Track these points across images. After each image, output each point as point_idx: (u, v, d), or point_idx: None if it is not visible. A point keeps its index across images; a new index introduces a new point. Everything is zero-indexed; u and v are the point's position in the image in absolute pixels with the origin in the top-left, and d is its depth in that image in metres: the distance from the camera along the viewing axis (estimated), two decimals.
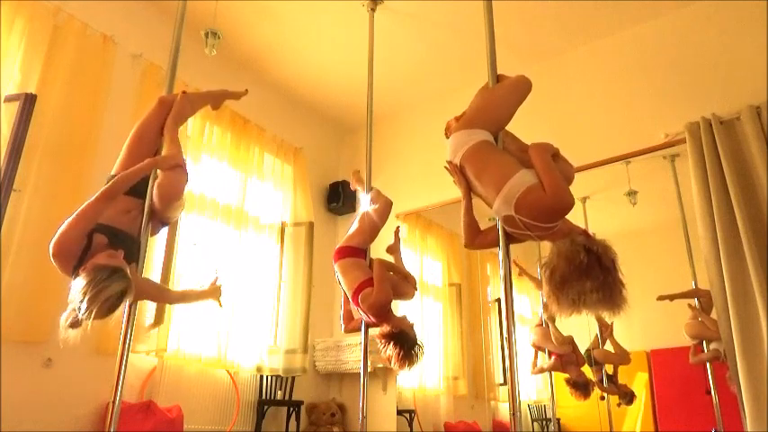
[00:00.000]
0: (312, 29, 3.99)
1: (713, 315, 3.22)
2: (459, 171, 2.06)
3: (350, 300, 2.71)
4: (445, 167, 2.15)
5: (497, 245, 2.01)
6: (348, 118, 5.11)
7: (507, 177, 1.86)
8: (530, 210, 1.80)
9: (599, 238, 1.84)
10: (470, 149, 1.99)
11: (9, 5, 2.94)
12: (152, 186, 2.18)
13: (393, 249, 3.08)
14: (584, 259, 1.73)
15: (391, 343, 2.55)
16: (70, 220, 1.93)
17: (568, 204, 1.79)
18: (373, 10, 3.62)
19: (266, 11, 3.82)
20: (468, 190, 2.07)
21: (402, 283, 2.71)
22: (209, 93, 2.84)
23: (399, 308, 3.21)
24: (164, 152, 2.28)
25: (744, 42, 3.35)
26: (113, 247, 1.98)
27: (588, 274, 1.73)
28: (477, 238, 2.08)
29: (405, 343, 2.54)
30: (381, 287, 2.53)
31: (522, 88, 2.12)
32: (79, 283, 1.83)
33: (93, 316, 1.80)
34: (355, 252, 2.80)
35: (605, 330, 3.75)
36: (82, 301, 1.79)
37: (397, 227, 3.20)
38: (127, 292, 1.88)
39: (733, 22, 3.44)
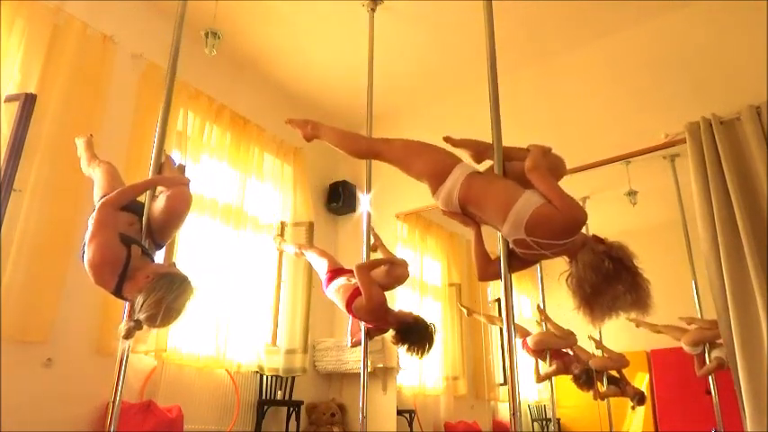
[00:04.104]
0: (312, 29, 3.99)
1: (706, 317, 3.24)
2: (459, 213, 2.05)
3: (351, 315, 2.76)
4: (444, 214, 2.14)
5: (517, 271, 2.00)
6: (348, 118, 5.10)
7: (512, 202, 1.85)
8: (542, 230, 1.80)
9: (612, 240, 1.84)
10: (463, 188, 1.97)
11: (9, 5, 2.94)
12: (149, 204, 2.16)
13: (375, 246, 3.12)
14: (609, 266, 1.74)
15: (404, 341, 2.62)
16: (93, 233, 1.88)
17: (582, 219, 1.81)
18: (373, 10, 3.62)
19: (266, 11, 3.82)
20: (477, 225, 2.06)
21: (391, 270, 2.73)
22: None
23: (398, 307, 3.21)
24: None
25: (744, 42, 3.35)
26: (146, 256, 1.98)
27: (618, 278, 1.75)
28: (489, 267, 2.06)
29: (415, 334, 2.61)
30: (369, 292, 2.55)
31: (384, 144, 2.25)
32: (153, 292, 1.80)
33: (167, 323, 1.82)
34: (338, 273, 2.90)
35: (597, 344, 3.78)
36: (159, 310, 1.78)
37: (371, 227, 3.20)
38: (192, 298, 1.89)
39: (733, 22, 3.44)
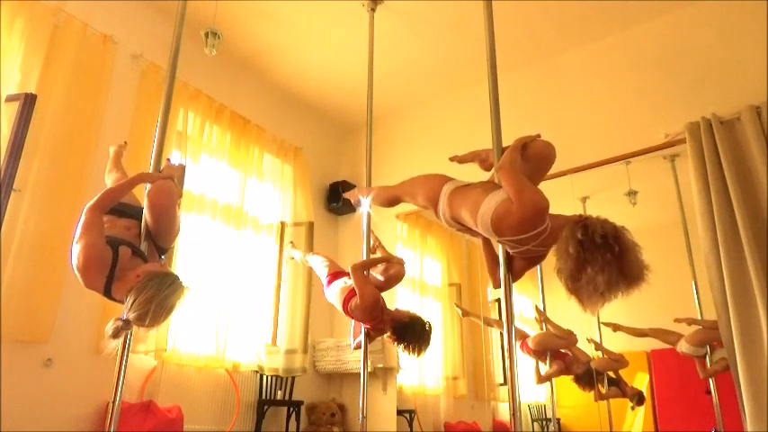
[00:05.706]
0: (312, 29, 3.99)
1: (707, 316, 3.23)
2: (462, 227, 2.05)
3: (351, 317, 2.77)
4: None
5: (523, 273, 1.99)
6: (348, 118, 5.11)
7: (477, 208, 1.84)
8: (506, 227, 1.75)
9: (591, 218, 1.68)
10: (446, 205, 2.03)
11: (9, 5, 2.94)
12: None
13: (374, 248, 3.14)
14: (573, 250, 1.59)
15: (401, 339, 2.64)
16: (79, 236, 1.87)
17: (539, 204, 1.70)
18: (373, 10, 3.62)
19: (266, 11, 3.82)
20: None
21: (387, 269, 2.75)
22: None
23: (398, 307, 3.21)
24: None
25: (744, 42, 3.35)
26: (137, 257, 1.97)
27: (585, 260, 1.58)
28: (498, 271, 2.02)
29: (411, 332, 2.63)
30: (363, 291, 2.56)
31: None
32: (142, 291, 1.78)
33: (157, 323, 1.80)
34: (337, 275, 2.93)
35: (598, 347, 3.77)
36: (148, 309, 1.75)
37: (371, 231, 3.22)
38: (183, 297, 1.88)
39: (733, 22, 3.44)
